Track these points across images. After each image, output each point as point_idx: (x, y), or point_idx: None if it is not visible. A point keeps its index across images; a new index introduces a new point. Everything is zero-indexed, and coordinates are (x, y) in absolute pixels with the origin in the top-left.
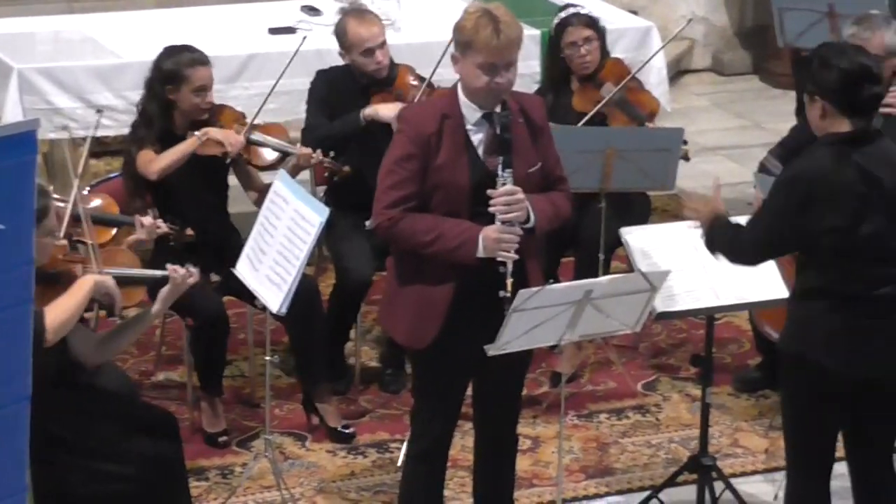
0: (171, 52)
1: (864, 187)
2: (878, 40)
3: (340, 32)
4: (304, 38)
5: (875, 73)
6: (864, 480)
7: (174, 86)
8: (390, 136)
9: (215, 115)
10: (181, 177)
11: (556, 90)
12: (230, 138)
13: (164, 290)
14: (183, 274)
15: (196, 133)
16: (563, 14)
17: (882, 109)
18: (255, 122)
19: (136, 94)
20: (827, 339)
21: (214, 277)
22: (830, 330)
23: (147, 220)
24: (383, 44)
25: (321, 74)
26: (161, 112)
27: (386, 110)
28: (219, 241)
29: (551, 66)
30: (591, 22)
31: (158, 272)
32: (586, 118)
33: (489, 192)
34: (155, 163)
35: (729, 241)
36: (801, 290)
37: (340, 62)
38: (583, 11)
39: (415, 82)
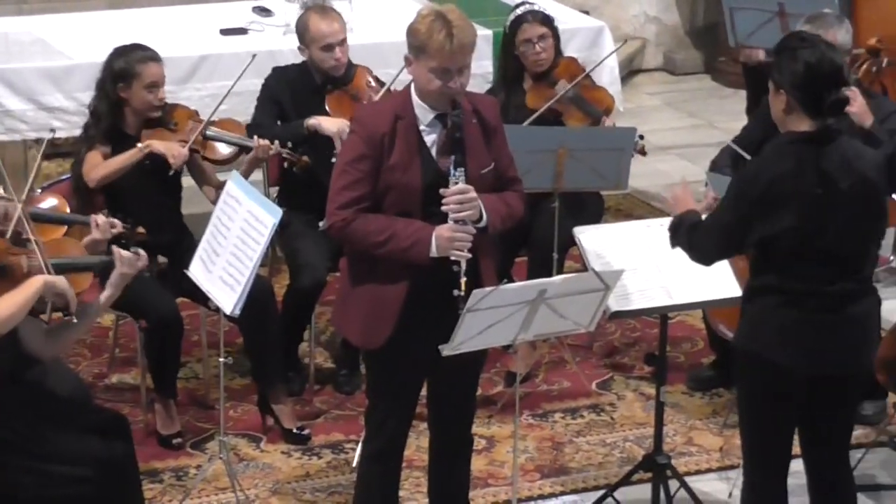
0: (122, 51)
1: (821, 188)
2: (831, 38)
3: (302, 27)
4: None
5: (843, 76)
6: (819, 478)
7: (125, 83)
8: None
9: (168, 113)
10: (133, 177)
11: (508, 89)
12: (173, 151)
13: (114, 275)
14: (130, 256)
15: (139, 144)
16: (518, 11)
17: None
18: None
19: (87, 96)
20: (780, 336)
21: (162, 259)
22: (783, 327)
23: (101, 218)
24: (343, 41)
25: (276, 72)
26: (111, 111)
27: (329, 124)
28: (172, 243)
29: (505, 65)
30: (547, 19)
31: (105, 257)
32: (540, 112)
33: (442, 190)
34: (95, 171)
35: (690, 235)
36: (755, 287)
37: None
38: (537, 9)
39: (373, 84)
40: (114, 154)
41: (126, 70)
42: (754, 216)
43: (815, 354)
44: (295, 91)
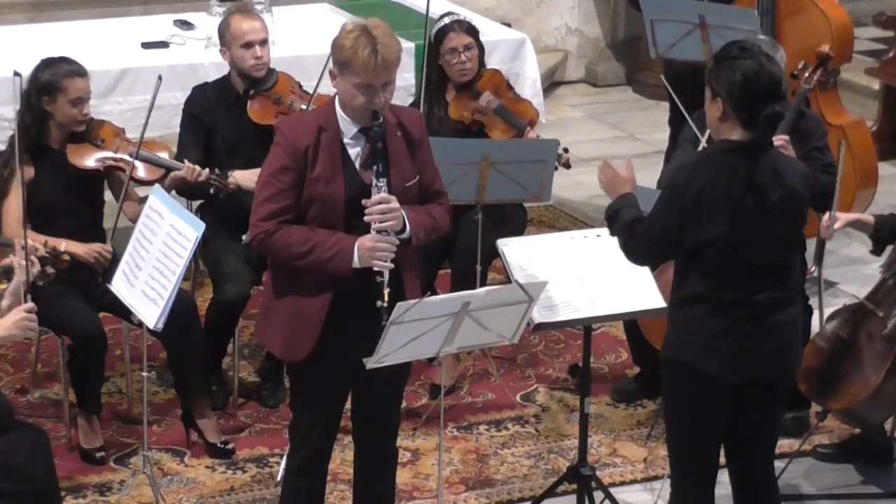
0: (48, 63)
1: (752, 199)
2: None
3: (223, 27)
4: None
5: (779, 91)
6: (744, 488)
7: (50, 97)
8: (267, 150)
9: (95, 129)
10: (58, 190)
11: (431, 100)
12: (91, 255)
13: (13, 283)
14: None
15: (61, 249)
16: (444, 21)
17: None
18: (137, 135)
19: (10, 110)
20: (708, 344)
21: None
22: (712, 336)
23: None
24: (264, 42)
25: (195, 90)
26: (35, 123)
27: (247, 181)
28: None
29: (428, 75)
30: (472, 30)
31: (6, 264)
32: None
33: (364, 201)
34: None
35: (628, 230)
36: (682, 296)
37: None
38: (462, 19)
39: (296, 90)
40: (38, 172)
41: (51, 83)
42: (687, 223)
43: (742, 362)
44: (216, 104)
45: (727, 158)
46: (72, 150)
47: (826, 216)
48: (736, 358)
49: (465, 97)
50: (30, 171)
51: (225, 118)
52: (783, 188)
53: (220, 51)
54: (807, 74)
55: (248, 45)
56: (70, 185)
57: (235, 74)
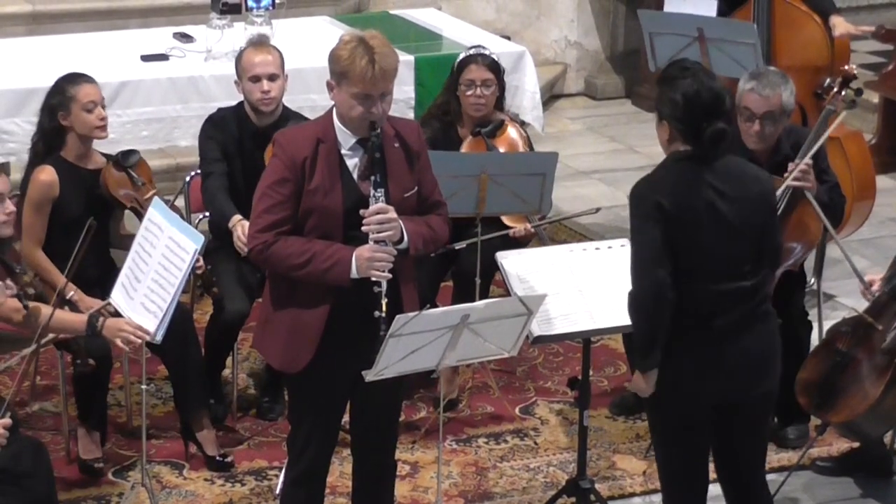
0: (52, 89)
1: (710, 204)
2: (777, 99)
3: (238, 59)
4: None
5: (722, 107)
6: (739, 501)
7: (65, 111)
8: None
9: (139, 165)
10: (84, 214)
11: (445, 126)
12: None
13: None
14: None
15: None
16: (471, 51)
17: (790, 182)
18: (137, 150)
19: (9, 123)
20: (680, 365)
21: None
22: (682, 356)
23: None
24: (274, 77)
25: (212, 119)
26: (51, 143)
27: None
28: (99, 276)
29: (447, 101)
30: (495, 66)
31: None
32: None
33: (362, 211)
34: (37, 259)
35: (633, 281)
36: None
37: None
38: (488, 54)
39: None
40: (64, 189)
41: (61, 99)
42: (663, 229)
43: (713, 384)
44: (232, 136)
45: (680, 168)
46: (110, 174)
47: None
48: (705, 381)
49: (480, 144)
50: (50, 174)
51: (242, 151)
52: (744, 193)
53: (235, 82)
54: (831, 95)
55: (256, 79)
56: (93, 207)
57: (249, 108)
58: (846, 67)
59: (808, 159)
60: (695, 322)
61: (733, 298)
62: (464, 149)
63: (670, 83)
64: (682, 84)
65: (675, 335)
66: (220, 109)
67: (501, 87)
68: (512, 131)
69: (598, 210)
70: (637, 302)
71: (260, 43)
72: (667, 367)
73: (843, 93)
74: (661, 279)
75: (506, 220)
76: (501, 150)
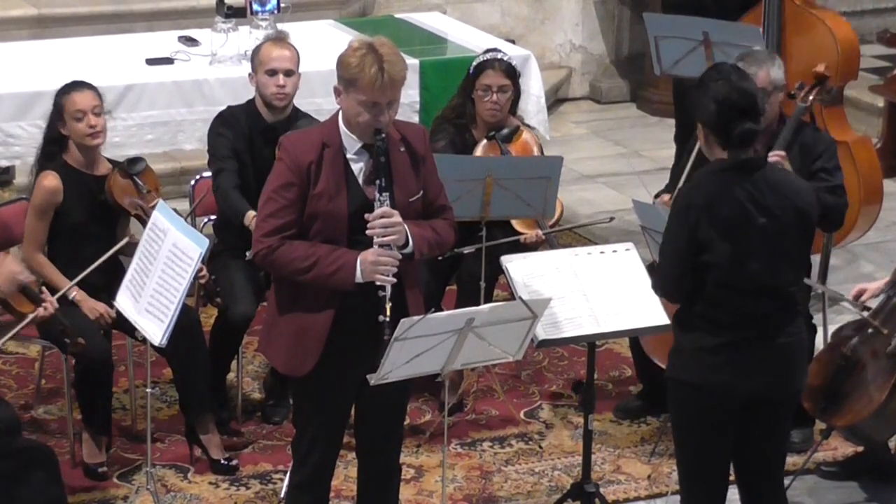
0: (56, 92)
1: (747, 216)
2: (764, 75)
3: (255, 52)
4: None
5: (753, 107)
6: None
7: (61, 120)
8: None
9: (146, 173)
10: (88, 220)
11: (460, 131)
12: (94, 312)
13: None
14: None
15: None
16: (487, 55)
17: (770, 158)
18: (144, 158)
19: (15, 126)
20: (711, 365)
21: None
22: (713, 356)
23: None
24: (290, 73)
25: (222, 116)
26: (53, 150)
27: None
28: (107, 282)
29: (462, 104)
30: (511, 72)
31: None
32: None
33: (366, 215)
34: (38, 263)
35: (653, 272)
36: (685, 318)
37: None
38: (505, 59)
39: None
40: (68, 194)
41: (57, 110)
42: (693, 245)
43: (744, 383)
44: (242, 132)
45: (720, 178)
46: (115, 181)
47: None
48: (738, 379)
49: (494, 148)
50: (54, 180)
51: (253, 147)
52: (783, 205)
53: (249, 75)
54: (803, 94)
55: (273, 73)
56: (99, 216)
57: (261, 102)
58: (817, 68)
59: (779, 151)
60: (729, 324)
61: (770, 303)
62: (478, 152)
63: (704, 88)
64: (713, 88)
65: (708, 334)
66: (229, 107)
67: (517, 92)
68: (527, 137)
69: (612, 219)
70: (654, 291)
71: (279, 38)
72: (699, 365)
73: (814, 93)
74: (678, 286)
75: (517, 225)
76: (515, 154)
